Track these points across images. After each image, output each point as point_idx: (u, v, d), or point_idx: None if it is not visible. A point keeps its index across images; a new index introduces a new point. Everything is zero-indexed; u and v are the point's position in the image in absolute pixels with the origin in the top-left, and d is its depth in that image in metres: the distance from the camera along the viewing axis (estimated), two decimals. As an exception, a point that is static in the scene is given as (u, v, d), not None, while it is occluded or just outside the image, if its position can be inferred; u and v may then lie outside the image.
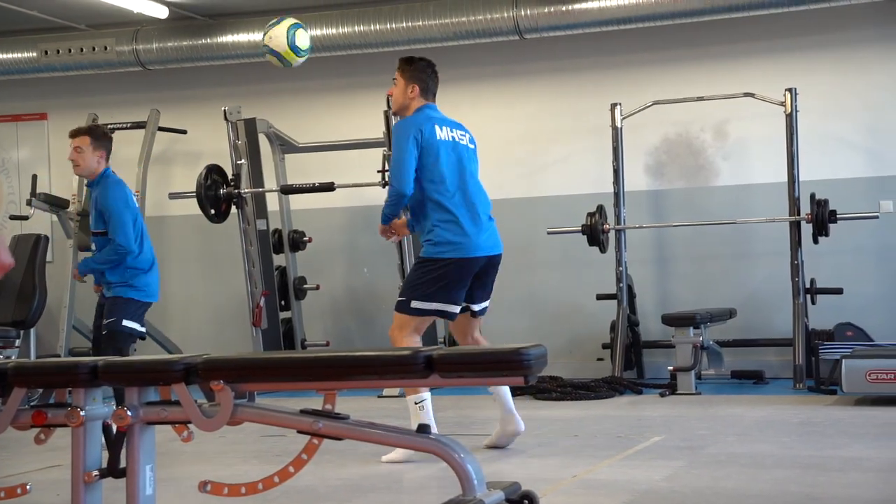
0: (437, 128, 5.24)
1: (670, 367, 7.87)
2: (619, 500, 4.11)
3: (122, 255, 5.96)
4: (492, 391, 5.28)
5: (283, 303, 8.85)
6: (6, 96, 10.30)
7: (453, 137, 5.29)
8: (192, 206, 8.43)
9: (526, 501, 3.74)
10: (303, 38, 5.86)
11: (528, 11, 8.32)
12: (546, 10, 8.21)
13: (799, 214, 7.93)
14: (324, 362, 3.52)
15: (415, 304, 5.17)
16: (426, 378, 3.59)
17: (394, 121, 6.36)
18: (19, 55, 9.53)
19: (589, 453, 5.22)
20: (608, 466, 4.83)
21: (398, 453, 4.96)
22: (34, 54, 9.45)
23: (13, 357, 8.21)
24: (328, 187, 8.25)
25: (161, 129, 9.24)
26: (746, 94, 8.19)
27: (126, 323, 5.98)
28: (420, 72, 5.35)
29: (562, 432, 5.95)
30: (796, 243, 7.97)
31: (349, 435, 3.45)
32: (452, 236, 5.17)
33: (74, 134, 6.13)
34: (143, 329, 6.25)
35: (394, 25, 8.54)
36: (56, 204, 9.02)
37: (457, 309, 5.24)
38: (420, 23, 8.46)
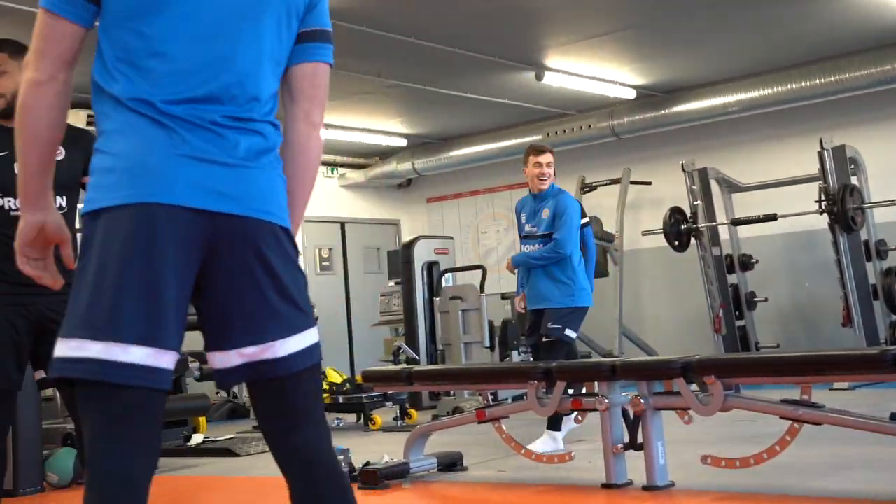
0: None
1: None
2: None
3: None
4: None
5: (737, 313, 8.60)
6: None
7: None
8: (660, 241, 8.52)
9: None
10: None
11: None
12: None
13: None
14: (802, 360, 3.43)
15: None
16: (893, 373, 3.39)
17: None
18: (525, 139, 9.99)
19: None
20: None
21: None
22: (540, 136, 9.81)
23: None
24: (772, 217, 7.95)
25: (632, 182, 9.42)
26: None
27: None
28: None
29: None
30: None
31: (827, 421, 3.32)
32: None
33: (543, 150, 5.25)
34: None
35: (818, 81, 8.02)
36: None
37: None
38: (846, 75, 7.88)
